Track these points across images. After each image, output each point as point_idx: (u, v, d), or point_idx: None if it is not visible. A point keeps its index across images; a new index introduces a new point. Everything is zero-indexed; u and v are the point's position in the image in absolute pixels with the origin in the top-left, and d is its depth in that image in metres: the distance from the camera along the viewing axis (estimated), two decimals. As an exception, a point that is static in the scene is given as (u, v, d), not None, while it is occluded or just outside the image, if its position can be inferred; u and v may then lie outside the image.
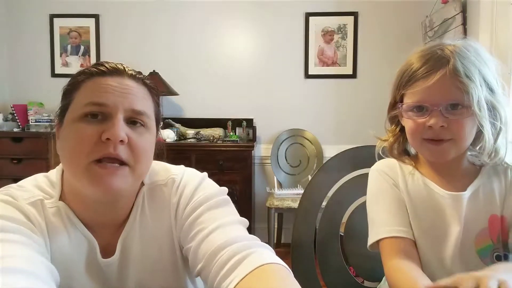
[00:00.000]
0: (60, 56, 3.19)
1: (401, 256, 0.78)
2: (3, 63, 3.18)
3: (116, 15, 3.15)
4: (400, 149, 0.90)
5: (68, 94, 0.68)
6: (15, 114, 3.00)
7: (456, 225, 0.78)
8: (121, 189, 0.63)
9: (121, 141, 0.62)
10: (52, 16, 3.15)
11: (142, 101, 0.68)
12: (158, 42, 3.14)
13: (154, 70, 2.93)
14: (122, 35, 3.16)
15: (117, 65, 0.69)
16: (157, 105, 0.73)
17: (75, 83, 0.67)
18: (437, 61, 0.75)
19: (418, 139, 0.80)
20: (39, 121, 2.92)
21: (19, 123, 2.98)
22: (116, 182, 0.62)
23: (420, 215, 0.82)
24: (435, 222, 0.80)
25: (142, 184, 0.74)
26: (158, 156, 0.75)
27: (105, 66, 0.67)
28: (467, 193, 0.79)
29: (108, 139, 0.61)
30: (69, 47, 3.18)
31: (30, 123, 2.94)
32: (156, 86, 0.75)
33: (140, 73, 0.72)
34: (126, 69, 0.69)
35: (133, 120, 0.66)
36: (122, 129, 0.62)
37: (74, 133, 0.63)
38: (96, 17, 3.14)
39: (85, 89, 0.66)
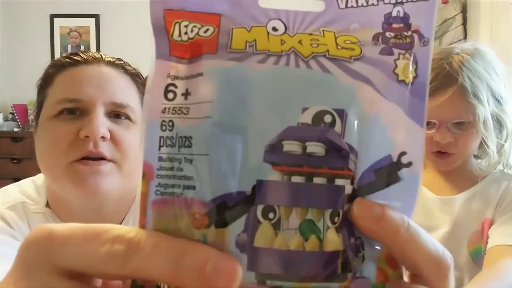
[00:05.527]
0: (60, 56, 3.18)
1: None
2: (3, 63, 3.18)
3: (116, 15, 3.14)
4: None
5: (41, 91, 0.62)
6: (15, 114, 2.99)
7: (445, 226, 0.81)
8: (108, 189, 0.56)
9: (103, 137, 0.54)
10: (52, 16, 3.15)
11: (124, 91, 0.60)
12: (158, 42, 3.14)
13: (154, 70, 2.93)
14: (122, 35, 3.15)
15: (93, 53, 0.62)
16: (143, 94, 0.68)
17: (47, 78, 0.61)
18: (445, 78, 0.77)
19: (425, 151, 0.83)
20: (39, 121, 2.92)
21: (19, 123, 2.98)
22: (102, 182, 0.55)
23: None
24: (421, 224, 0.82)
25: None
26: None
27: (79, 55, 0.61)
28: (460, 197, 0.82)
29: (87, 136, 0.54)
30: (69, 47, 3.17)
31: (30, 123, 2.94)
32: (140, 72, 0.67)
33: (120, 59, 0.64)
34: (103, 56, 0.62)
35: (116, 113, 0.59)
36: (102, 124, 0.55)
37: (48, 132, 0.57)
38: (96, 17, 3.14)
39: (58, 83, 0.59)
